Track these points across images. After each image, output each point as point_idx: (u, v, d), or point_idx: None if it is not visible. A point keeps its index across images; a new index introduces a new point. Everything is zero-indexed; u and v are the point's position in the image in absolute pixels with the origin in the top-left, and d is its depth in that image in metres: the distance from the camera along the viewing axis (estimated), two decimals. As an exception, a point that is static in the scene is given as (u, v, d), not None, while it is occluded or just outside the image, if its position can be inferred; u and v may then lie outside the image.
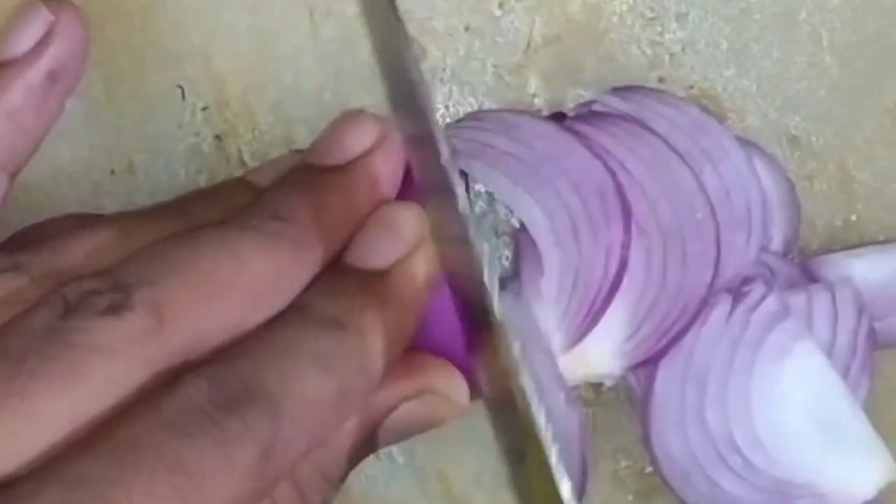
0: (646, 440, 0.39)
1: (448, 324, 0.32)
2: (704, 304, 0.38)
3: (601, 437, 0.41)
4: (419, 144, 0.32)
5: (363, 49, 0.41)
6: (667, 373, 0.38)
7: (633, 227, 0.38)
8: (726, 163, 0.40)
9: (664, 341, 0.38)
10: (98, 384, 0.27)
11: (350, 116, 0.34)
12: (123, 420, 0.27)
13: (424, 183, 0.32)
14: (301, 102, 0.41)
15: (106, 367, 0.27)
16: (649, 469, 0.42)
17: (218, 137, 0.41)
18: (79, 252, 0.31)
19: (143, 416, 0.27)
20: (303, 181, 0.33)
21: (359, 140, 0.33)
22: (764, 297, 0.39)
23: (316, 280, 0.31)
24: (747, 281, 0.39)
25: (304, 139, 0.41)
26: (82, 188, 0.40)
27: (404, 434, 0.33)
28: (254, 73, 0.41)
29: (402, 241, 0.32)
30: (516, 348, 0.29)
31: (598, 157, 0.38)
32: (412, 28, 0.41)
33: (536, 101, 0.42)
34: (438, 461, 0.42)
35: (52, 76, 0.34)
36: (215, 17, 0.41)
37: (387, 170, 0.33)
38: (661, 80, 0.42)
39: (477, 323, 0.31)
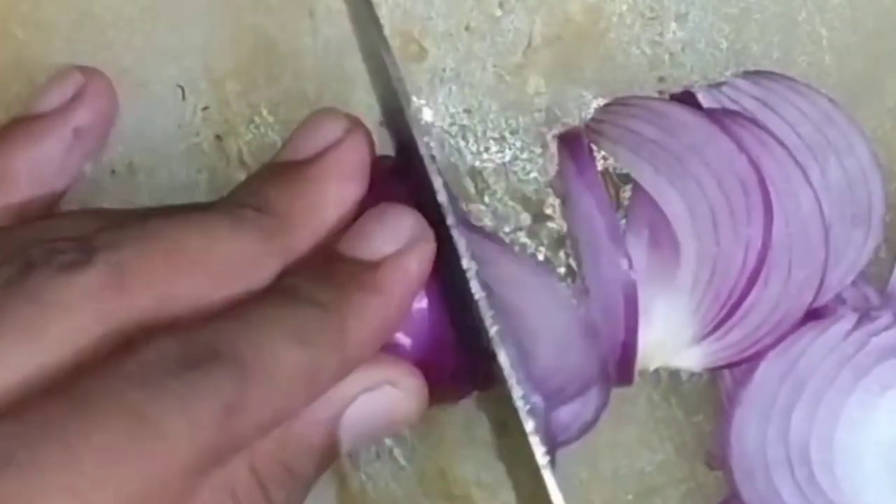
0: (722, 427, 0.39)
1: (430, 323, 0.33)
2: (798, 326, 0.38)
3: (601, 437, 0.41)
4: (404, 147, 0.33)
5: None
6: (769, 367, 0.38)
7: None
8: (851, 157, 0.39)
9: (750, 351, 0.38)
10: (54, 338, 0.28)
11: (317, 113, 0.34)
12: (85, 372, 0.27)
13: (412, 189, 0.33)
14: (301, 102, 0.41)
15: (62, 321, 0.28)
16: (649, 469, 0.42)
17: (218, 137, 0.41)
18: (67, 225, 0.31)
19: (105, 368, 0.27)
20: (272, 174, 0.33)
21: (326, 134, 0.34)
22: (889, 327, 0.39)
23: (304, 266, 0.32)
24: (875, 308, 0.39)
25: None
26: (82, 188, 0.40)
27: (365, 432, 0.32)
28: (254, 73, 0.41)
29: (395, 237, 0.32)
30: (494, 330, 0.30)
31: (743, 150, 0.38)
32: (412, 28, 0.41)
33: (536, 101, 0.42)
34: (438, 461, 0.42)
35: (78, 134, 0.36)
36: (215, 17, 0.41)
37: (354, 159, 0.33)
38: (661, 80, 0.42)
39: (456, 305, 0.32)
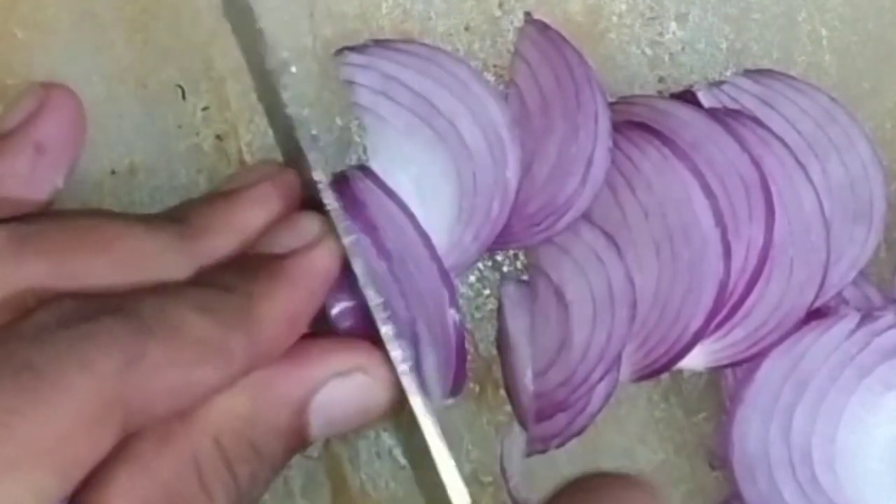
0: (724, 426, 0.39)
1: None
2: (800, 325, 0.38)
3: (602, 437, 0.41)
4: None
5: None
6: (772, 366, 0.38)
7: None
8: (852, 153, 0.39)
9: (752, 350, 0.38)
10: None
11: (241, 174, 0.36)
12: None
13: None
14: (301, 102, 0.41)
15: None
16: (649, 469, 0.42)
17: (218, 137, 0.41)
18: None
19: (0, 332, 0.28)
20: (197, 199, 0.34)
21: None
22: (892, 327, 0.39)
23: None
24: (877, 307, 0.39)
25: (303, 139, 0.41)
26: (82, 188, 0.40)
27: (336, 419, 0.33)
28: (254, 73, 0.41)
29: (301, 234, 0.33)
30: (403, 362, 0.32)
31: (745, 149, 0.38)
32: (412, 28, 0.41)
33: (536, 101, 0.42)
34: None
35: (39, 148, 0.35)
36: (215, 17, 0.41)
37: (269, 181, 0.34)
38: (661, 79, 0.42)
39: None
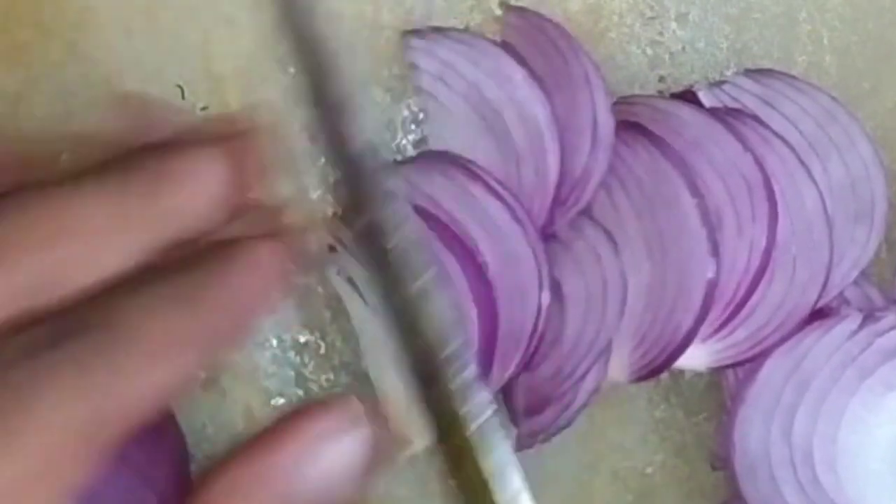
0: (726, 426, 0.39)
1: None
2: (802, 325, 0.38)
3: (602, 437, 0.41)
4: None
5: (363, 49, 0.41)
6: (774, 366, 0.38)
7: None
8: (853, 153, 0.39)
9: (755, 350, 0.38)
10: None
11: None
12: None
13: None
14: (301, 102, 0.41)
15: None
16: (649, 470, 0.42)
17: (218, 137, 0.41)
18: None
19: None
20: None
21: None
22: (894, 328, 0.39)
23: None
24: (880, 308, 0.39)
25: (304, 139, 0.41)
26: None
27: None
28: (254, 73, 0.41)
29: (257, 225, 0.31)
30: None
31: (748, 149, 0.38)
32: (412, 28, 0.41)
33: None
34: (438, 461, 0.42)
35: None
36: (215, 17, 0.41)
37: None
38: (661, 79, 0.42)
39: None
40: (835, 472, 0.38)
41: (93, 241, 0.30)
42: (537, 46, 0.39)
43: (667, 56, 0.42)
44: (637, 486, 0.42)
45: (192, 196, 0.31)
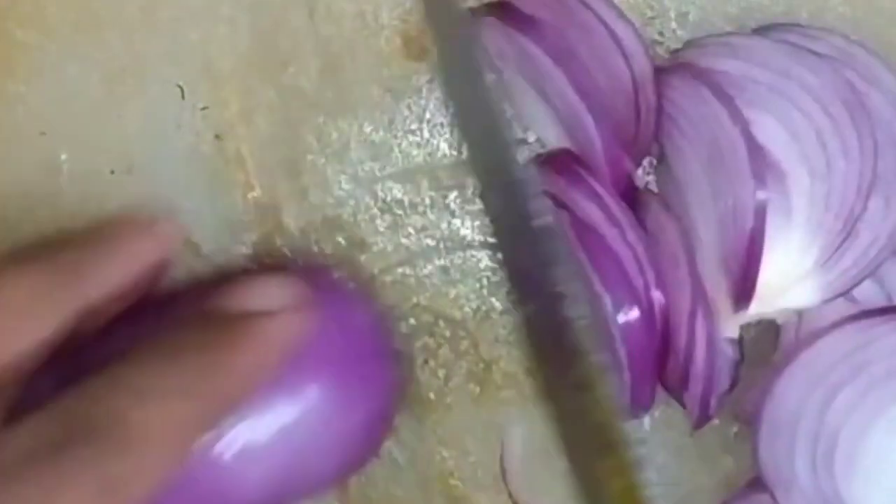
0: (768, 380, 0.38)
1: None
2: None
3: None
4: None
5: (363, 49, 0.41)
6: (840, 338, 0.38)
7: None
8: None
9: (868, 270, 0.37)
10: None
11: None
12: None
13: None
14: (301, 102, 0.41)
15: None
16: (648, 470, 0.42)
17: (218, 137, 0.41)
18: None
19: None
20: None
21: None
22: None
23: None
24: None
25: (304, 138, 0.41)
26: (82, 188, 0.40)
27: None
28: (254, 73, 0.41)
29: (267, 299, 0.33)
30: None
31: (837, 71, 0.37)
32: (412, 28, 0.41)
33: (536, 100, 0.42)
34: (438, 461, 0.42)
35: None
36: (215, 17, 0.41)
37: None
38: (661, 79, 0.42)
39: None
40: (851, 464, 0.37)
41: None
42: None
43: (667, 56, 0.42)
44: (637, 486, 0.42)
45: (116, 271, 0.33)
